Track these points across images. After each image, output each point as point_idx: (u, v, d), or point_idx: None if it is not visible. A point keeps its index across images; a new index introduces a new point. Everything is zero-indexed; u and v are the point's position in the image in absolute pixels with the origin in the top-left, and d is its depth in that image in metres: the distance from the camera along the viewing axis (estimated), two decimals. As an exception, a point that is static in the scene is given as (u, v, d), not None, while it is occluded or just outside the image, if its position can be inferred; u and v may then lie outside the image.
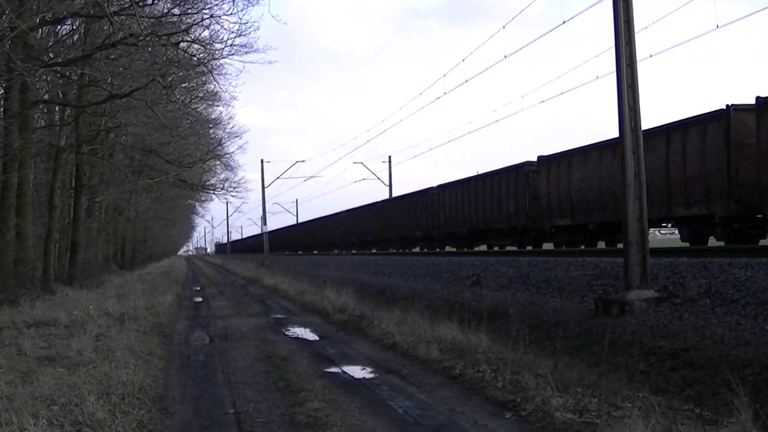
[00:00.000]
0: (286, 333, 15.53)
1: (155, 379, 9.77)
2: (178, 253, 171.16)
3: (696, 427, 6.20)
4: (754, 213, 18.57)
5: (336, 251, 57.33)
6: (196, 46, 18.38)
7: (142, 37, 15.25)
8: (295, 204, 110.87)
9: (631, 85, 13.56)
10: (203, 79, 25.54)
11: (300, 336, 15.05)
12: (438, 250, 37.30)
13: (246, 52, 18.66)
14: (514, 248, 30.52)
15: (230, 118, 44.93)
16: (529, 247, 29.30)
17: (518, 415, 7.44)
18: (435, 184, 39.53)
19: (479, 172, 34.76)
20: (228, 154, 38.98)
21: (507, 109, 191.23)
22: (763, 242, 19.38)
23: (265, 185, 60.47)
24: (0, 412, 7.00)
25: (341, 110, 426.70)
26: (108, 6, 14.45)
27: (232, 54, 18.67)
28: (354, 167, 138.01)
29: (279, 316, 19.49)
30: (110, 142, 30.37)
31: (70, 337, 12.52)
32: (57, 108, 25.97)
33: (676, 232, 23.33)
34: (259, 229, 65.04)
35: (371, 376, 10.26)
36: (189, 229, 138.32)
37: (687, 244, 20.91)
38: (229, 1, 17.89)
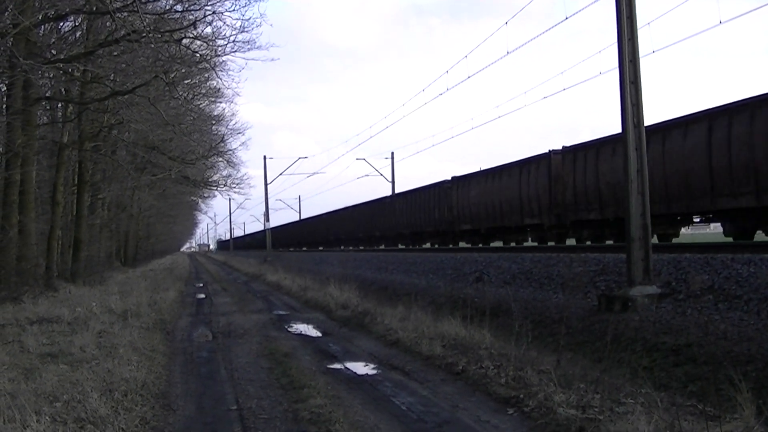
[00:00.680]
0: (289, 329, 15.54)
1: (158, 376, 9.78)
2: (181, 250, 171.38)
3: (699, 423, 6.19)
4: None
5: (342, 248, 56.77)
6: (198, 42, 18.41)
7: (144, 34, 15.24)
8: (297, 200, 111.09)
9: (634, 81, 13.53)
10: (206, 75, 25.58)
11: (303, 332, 15.06)
12: (451, 246, 35.95)
13: (248, 49, 18.69)
14: (535, 244, 29.15)
15: (233, 114, 44.90)
16: (551, 243, 27.84)
17: (521, 411, 7.44)
18: (445, 178, 37.86)
19: (502, 164, 32.42)
20: (231, 150, 39.03)
21: (510, 105, 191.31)
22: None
23: (268, 182, 60.38)
24: (3, 408, 7.01)
25: (344, 107, 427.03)
26: (110, 2, 14.44)
27: (235, 50, 18.69)
28: (357, 164, 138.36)
29: (282, 312, 19.50)
30: (113, 139, 30.38)
31: (73, 333, 12.55)
32: (60, 105, 25.98)
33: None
34: (262, 226, 65.11)
35: (374, 372, 10.26)
36: (192, 225, 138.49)
37: (730, 239, 19.72)
38: (231, -2, 17.89)
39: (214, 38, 18.55)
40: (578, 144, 26.06)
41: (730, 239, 19.74)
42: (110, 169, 34.11)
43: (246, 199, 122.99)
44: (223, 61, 22.01)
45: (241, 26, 24.07)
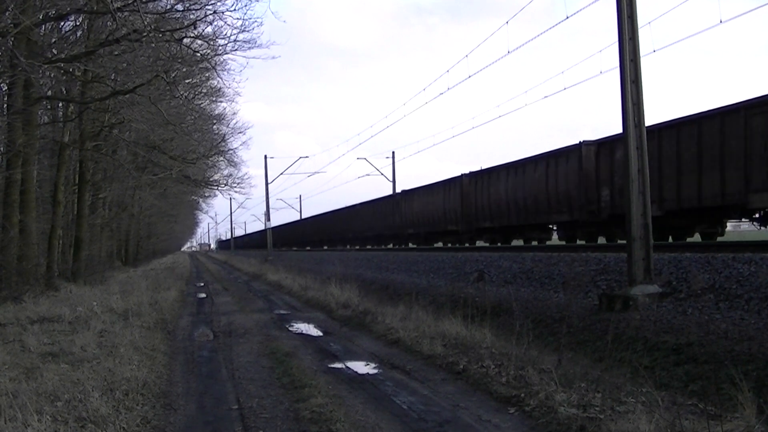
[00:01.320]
0: (290, 329, 15.55)
1: (159, 375, 9.79)
2: (182, 249, 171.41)
3: (700, 422, 6.19)
4: None
5: (348, 247, 56.61)
6: (199, 42, 18.40)
7: (145, 33, 15.25)
8: (298, 200, 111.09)
9: (635, 80, 13.53)
10: (207, 75, 25.60)
11: (304, 332, 15.07)
12: (467, 245, 34.53)
13: (249, 48, 18.71)
14: (562, 243, 27.59)
15: (234, 114, 44.97)
16: (582, 242, 26.18)
17: (522, 411, 7.44)
18: (461, 173, 36.43)
19: (527, 156, 30.35)
20: (232, 150, 39.02)
21: (510, 105, 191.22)
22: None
23: (269, 181, 60.42)
24: (4, 408, 7.02)
25: (345, 106, 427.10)
26: (111, 2, 14.43)
27: (236, 50, 18.70)
28: (357, 163, 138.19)
29: (283, 311, 19.51)
30: (114, 138, 30.37)
31: (74, 333, 12.56)
32: (60, 104, 25.99)
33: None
34: (263, 225, 65.14)
35: (375, 371, 10.27)
36: (192, 225, 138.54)
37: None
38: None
39: (214, 37, 18.57)
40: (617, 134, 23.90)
41: (735, 240, 20.64)
42: (111, 169, 34.10)
43: (247, 198, 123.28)
44: (224, 60, 22.08)
45: (242, 25, 24.05)
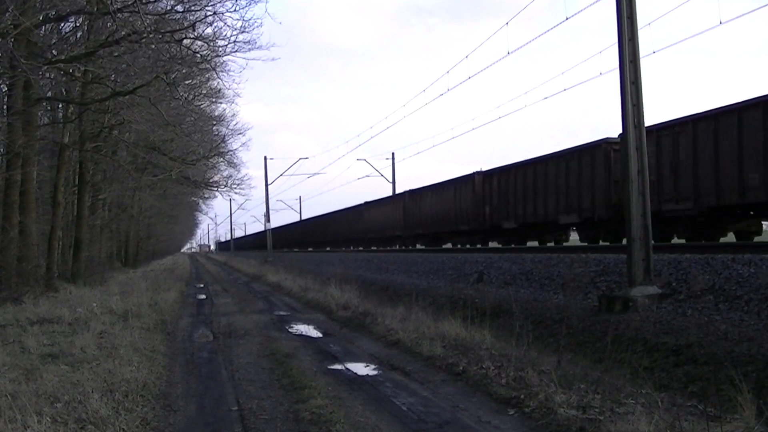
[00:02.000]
0: (290, 330, 15.55)
1: (159, 376, 9.78)
2: (182, 251, 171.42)
3: (699, 423, 6.19)
4: None
5: (352, 248, 56.02)
6: (199, 43, 18.40)
7: (145, 34, 15.26)
8: (298, 201, 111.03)
9: (635, 81, 13.54)
10: (207, 76, 25.59)
11: (303, 333, 15.06)
12: (479, 246, 33.50)
13: (249, 49, 18.67)
14: (584, 244, 25.72)
15: (234, 115, 45.03)
16: (606, 243, 24.68)
17: (522, 412, 7.44)
18: (472, 171, 35.18)
19: (545, 154, 29.03)
20: (231, 151, 39.00)
21: (510, 106, 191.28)
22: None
23: (269, 182, 60.43)
24: (4, 409, 7.01)
25: (345, 107, 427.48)
26: (111, 3, 14.46)
27: (236, 51, 18.67)
28: (357, 164, 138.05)
29: (282, 313, 19.51)
30: (114, 139, 30.37)
31: (74, 334, 12.55)
32: (60, 105, 25.99)
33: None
34: (263, 226, 65.12)
35: (375, 373, 10.26)
36: (192, 226, 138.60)
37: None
38: (232, -1, 17.90)
39: (214, 39, 18.55)
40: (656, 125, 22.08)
41: (733, 240, 20.23)
42: (111, 170, 34.11)
43: (247, 199, 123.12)
44: (224, 61, 22.04)
45: (241, 26, 24.07)
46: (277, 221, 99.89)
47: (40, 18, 17.28)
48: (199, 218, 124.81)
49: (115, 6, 14.69)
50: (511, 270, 19.16)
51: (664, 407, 6.70)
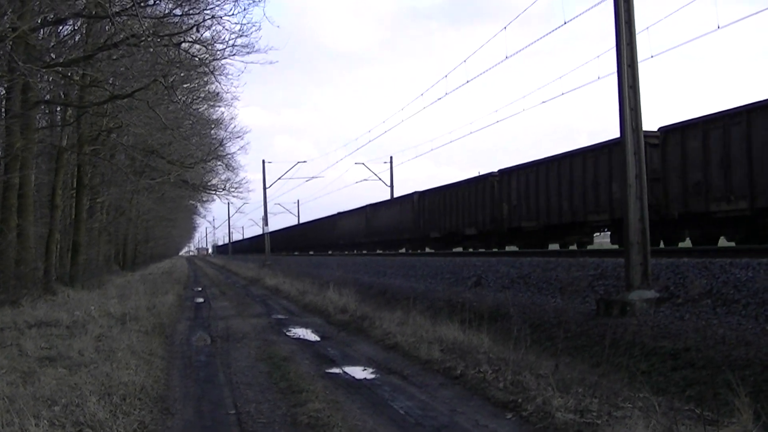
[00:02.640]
0: (288, 333, 15.54)
1: (156, 380, 9.77)
2: (180, 254, 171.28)
3: (697, 427, 6.20)
4: None
5: (356, 251, 55.25)
6: (197, 46, 18.38)
7: (143, 38, 15.26)
8: (296, 204, 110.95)
9: (632, 85, 13.56)
10: (205, 79, 25.56)
11: (301, 336, 15.06)
12: (496, 249, 30.69)
13: (247, 53, 18.64)
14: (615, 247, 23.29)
15: (232, 118, 44.79)
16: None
17: (519, 416, 7.44)
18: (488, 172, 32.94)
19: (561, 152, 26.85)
20: (229, 154, 39.01)
21: (508, 110, 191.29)
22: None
23: (267, 186, 60.45)
24: (1, 412, 7.00)
25: (343, 110, 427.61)
26: (110, 6, 14.45)
27: (234, 54, 18.66)
28: (355, 168, 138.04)
29: (280, 316, 19.50)
30: (112, 143, 30.39)
31: (72, 337, 12.53)
32: (59, 108, 25.99)
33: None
34: (261, 230, 65.10)
35: (372, 376, 10.26)
36: (190, 229, 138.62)
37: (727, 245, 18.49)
38: (230, 2, 17.95)
39: (213, 42, 18.54)
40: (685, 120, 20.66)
41: (732, 244, 19.61)
42: (109, 173, 34.13)
43: (245, 203, 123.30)
44: (222, 64, 22.07)
45: (240, 30, 23.97)
46: (275, 225, 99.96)
47: (39, 21, 17.28)
48: (197, 221, 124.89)
49: (114, 9, 14.69)
50: (509, 274, 19.17)
51: (661, 411, 6.71)
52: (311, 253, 70.92)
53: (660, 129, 21.26)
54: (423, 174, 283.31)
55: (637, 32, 13.66)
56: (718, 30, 16.11)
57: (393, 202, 47.96)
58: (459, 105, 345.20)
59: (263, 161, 59.81)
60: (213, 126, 35.28)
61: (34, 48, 17.34)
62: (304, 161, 64.62)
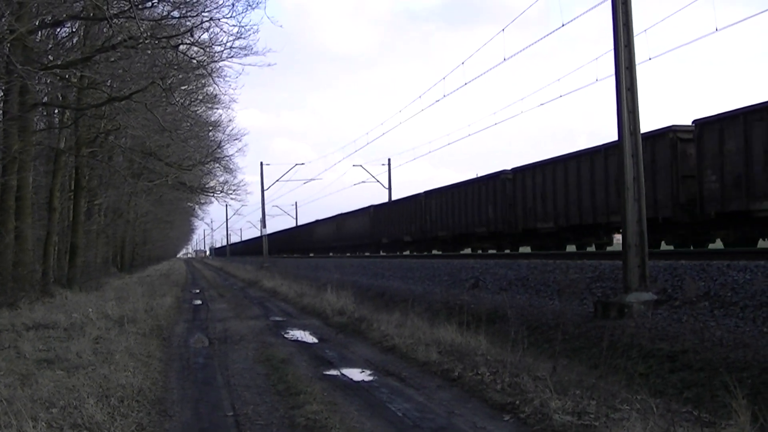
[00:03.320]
0: (286, 336, 15.53)
1: (154, 382, 9.77)
2: (178, 256, 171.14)
3: (694, 429, 6.21)
4: None
5: (358, 254, 54.70)
6: (195, 48, 18.42)
7: (141, 40, 15.28)
8: (294, 207, 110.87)
9: (630, 88, 13.57)
10: (203, 81, 25.59)
11: (299, 339, 15.05)
12: (509, 251, 30.04)
13: (245, 55, 18.65)
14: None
15: (230, 120, 44.85)
16: (670, 247, 21.51)
17: (517, 418, 7.45)
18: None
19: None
20: (227, 156, 39.09)
21: (506, 112, 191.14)
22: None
23: (265, 188, 60.46)
24: (-1, 414, 7.00)
25: (341, 112, 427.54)
26: (107, 9, 14.46)
27: (232, 56, 18.68)
28: (353, 170, 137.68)
29: (278, 318, 19.49)
30: (110, 145, 30.40)
31: (69, 339, 12.53)
32: (56, 110, 25.98)
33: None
34: (259, 232, 65.02)
35: (370, 378, 10.26)
36: (188, 231, 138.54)
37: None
38: (228, 5, 17.92)
39: (210, 44, 18.56)
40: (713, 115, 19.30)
41: (725, 248, 19.54)
42: (107, 175, 34.11)
43: (242, 205, 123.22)
44: (220, 67, 22.05)
45: (237, 32, 24.00)
46: (273, 227, 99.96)
47: (36, 23, 17.30)
48: (195, 224, 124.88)
49: (111, 11, 14.70)
50: (507, 276, 19.18)
51: (659, 413, 6.71)
52: (311, 255, 70.87)
53: (695, 122, 19.74)
54: (421, 176, 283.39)
55: (635, 34, 13.68)
56: (716, 32, 16.08)
57: (398, 202, 46.05)
58: (457, 107, 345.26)
59: (261, 163, 60.03)
60: (211, 128, 35.26)
61: (31, 50, 17.35)
62: (302, 163, 64.75)
